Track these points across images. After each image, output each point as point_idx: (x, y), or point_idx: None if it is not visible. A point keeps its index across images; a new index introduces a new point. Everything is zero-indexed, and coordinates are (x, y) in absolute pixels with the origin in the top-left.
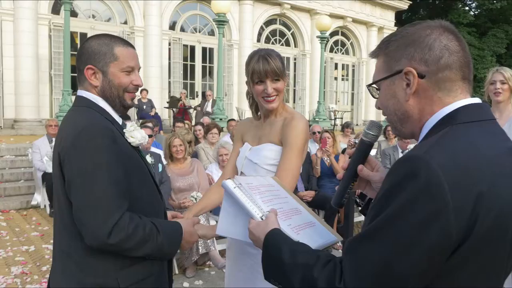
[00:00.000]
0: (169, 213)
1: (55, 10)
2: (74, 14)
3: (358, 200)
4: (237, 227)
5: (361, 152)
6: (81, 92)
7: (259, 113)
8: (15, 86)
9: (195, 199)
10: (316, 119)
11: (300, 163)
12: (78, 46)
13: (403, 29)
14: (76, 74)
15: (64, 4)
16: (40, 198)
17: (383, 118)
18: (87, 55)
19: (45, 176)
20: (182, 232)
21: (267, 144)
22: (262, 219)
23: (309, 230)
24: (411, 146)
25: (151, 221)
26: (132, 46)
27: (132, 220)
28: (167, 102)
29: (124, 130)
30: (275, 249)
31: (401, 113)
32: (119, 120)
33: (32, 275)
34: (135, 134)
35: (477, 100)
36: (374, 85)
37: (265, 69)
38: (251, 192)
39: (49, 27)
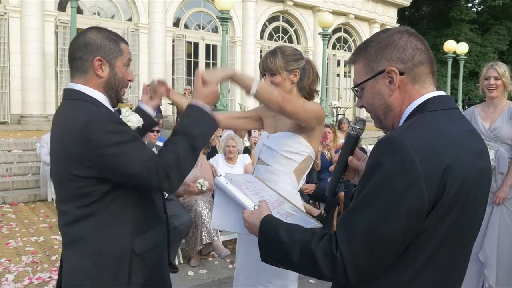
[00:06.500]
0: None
1: (61, 7)
2: (79, 11)
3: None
4: (229, 220)
5: (349, 145)
6: (73, 85)
7: None
8: (21, 82)
9: (201, 185)
10: None
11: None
12: None
13: (377, 35)
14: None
15: (71, 1)
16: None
17: None
18: (95, 47)
19: None
20: (199, 100)
21: (284, 132)
22: (254, 208)
23: (294, 217)
24: None
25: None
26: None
27: (164, 156)
28: None
29: (121, 116)
30: (272, 231)
31: (385, 107)
32: (112, 109)
33: (42, 264)
34: (131, 118)
35: (442, 92)
36: (357, 87)
37: (263, 65)
38: (240, 186)
39: (55, 24)
